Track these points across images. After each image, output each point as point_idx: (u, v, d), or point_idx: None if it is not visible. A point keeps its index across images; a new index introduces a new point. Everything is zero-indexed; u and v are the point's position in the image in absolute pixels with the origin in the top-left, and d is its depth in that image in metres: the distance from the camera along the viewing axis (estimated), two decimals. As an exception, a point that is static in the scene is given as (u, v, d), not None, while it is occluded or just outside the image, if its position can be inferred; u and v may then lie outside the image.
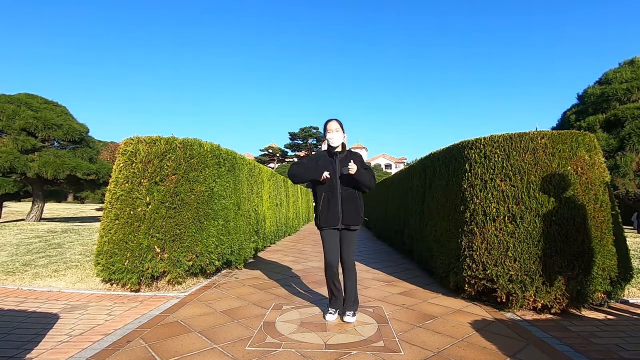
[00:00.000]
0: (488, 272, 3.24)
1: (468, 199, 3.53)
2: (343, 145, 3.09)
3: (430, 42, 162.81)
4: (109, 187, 3.94)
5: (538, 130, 3.42)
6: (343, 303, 3.05)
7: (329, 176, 2.94)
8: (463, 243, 3.52)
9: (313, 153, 3.71)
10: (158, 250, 3.75)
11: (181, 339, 2.54)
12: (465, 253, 3.46)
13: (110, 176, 4.01)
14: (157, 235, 3.75)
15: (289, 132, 52.23)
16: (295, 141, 53.57)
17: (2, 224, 11.43)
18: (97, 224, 10.83)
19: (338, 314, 3.04)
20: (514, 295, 3.15)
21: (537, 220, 3.17)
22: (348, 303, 3.01)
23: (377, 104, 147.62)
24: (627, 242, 3.50)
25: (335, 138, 3.01)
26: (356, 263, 3.11)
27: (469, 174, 3.58)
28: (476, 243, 3.36)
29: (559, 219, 3.15)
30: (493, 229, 3.28)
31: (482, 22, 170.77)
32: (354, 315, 2.97)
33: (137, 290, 3.78)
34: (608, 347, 2.46)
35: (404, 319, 3.04)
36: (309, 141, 52.11)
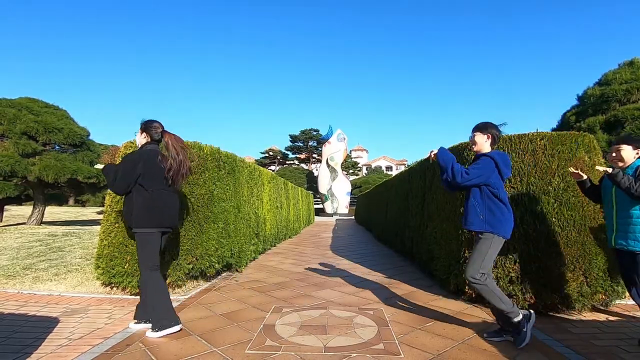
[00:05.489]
0: (488, 274, 3.23)
1: (468, 201, 3.51)
2: None
3: (431, 43, 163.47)
4: (109, 190, 3.94)
5: (538, 131, 3.42)
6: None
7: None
8: (463, 245, 3.51)
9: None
10: (158, 253, 3.74)
11: (181, 343, 2.54)
12: (466, 255, 3.45)
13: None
14: (157, 238, 3.74)
15: (289, 135, 51.92)
16: (296, 143, 53.44)
17: (3, 227, 11.44)
18: (98, 228, 10.82)
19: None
20: (515, 296, 3.14)
21: (537, 222, 3.16)
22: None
23: (378, 106, 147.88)
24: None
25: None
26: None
27: (469, 175, 3.56)
28: (476, 245, 3.35)
29: (559, 220, 3.14)
30: (493, 230, 3.27)
31: (481, 23, 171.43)
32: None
33: (137, 294, 3.77)
34: (609, 349, 2.45)
35: (404, 321, 3.03)
36: (310, 143, 52.01)
